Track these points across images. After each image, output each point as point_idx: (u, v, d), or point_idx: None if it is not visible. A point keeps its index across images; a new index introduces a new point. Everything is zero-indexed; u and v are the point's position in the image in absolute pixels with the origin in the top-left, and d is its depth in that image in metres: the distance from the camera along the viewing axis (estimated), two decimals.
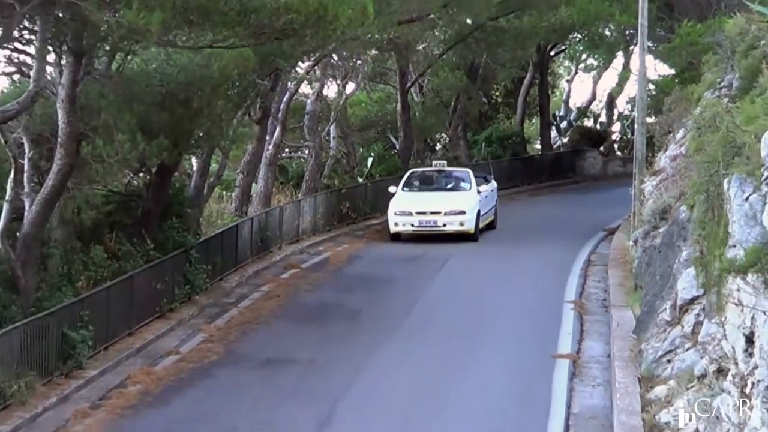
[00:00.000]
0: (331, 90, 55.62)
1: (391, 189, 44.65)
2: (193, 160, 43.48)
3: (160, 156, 36.17)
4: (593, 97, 79.54)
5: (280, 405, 26.56)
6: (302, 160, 55.95)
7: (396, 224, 40.97)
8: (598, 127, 77.82)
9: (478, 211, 41.29)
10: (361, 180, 58.70)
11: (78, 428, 25.62)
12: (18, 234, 32.00)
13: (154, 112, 35.07)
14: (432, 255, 43.61)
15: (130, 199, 38.92)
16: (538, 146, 72.27)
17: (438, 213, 40.15)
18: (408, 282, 39.83)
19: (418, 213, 40.60)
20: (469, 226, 39.79)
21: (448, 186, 43.78)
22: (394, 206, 41.92)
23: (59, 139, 31.56)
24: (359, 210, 53.02)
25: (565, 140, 75.14)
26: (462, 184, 43.42)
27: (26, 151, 32.99)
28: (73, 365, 29.07)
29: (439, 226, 39.80)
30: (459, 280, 40.14)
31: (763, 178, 11.59)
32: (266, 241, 45.19)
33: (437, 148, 67.56)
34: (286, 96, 48.83)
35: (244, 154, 48.72)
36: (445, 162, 46.33)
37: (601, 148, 74.47)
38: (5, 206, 32.23)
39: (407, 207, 41.09)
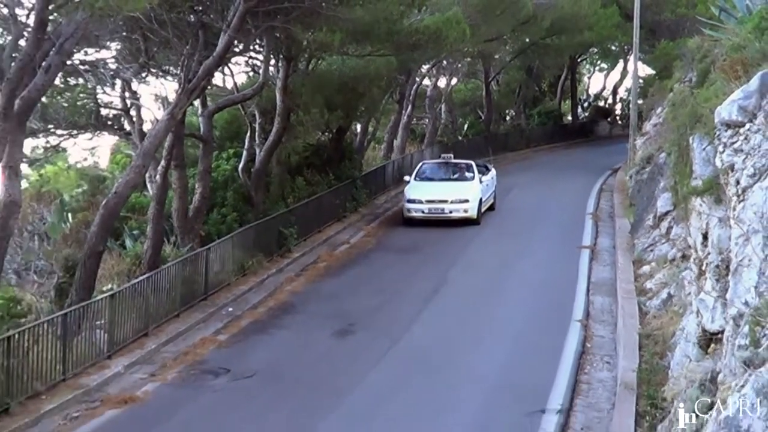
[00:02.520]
0: (441, 82, 55.09)
1: (406, 178, 37.14)
2: (358, 125, 43.76)
3: (338, 122, 37.50)
4: (604, 87, 79.05)
5: (412, 274, 26.68)
6: (424, 125, 55.75)
7: (408, 211, 34.08)
8: (606, 106, 77.27)
9: (480, 199, 34.01)
10: (460, 138, 58.39)
11: (288, 287, 26.10)
12: (251, 170, 33.16)
13: (334, 95, 35.74)
14: (502, 185, 41.26)
15: (319, 148, 39.17)
16: (569, 118, 71.61)
17: (445, 201, 33.46)
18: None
19: (428, 201, 33.72)
20: (472, 213, 33.10)
21: (454, 176, 36.30)
22: (407, 195, 34.83)
23: (277, 111, 32.40)
24: (462, 155, 52.77)
25: (586, 114, 74.71)
26: (466, 174, 35.89)
27: (257, 118, 33.84)
28: (285, 250, 29.72)
29: (446, 213, 33.18)
30: (520, 199, 39.19)
31: (714, 136, 11.67)
32: (402, 174, 43.97)
33: (507, 119, 66.96)
34: (415, 86, 48.43)
35: (389, 121, 49.09)
36: (452, 155, 38.70)
37: (609, 119, 73.97)
38: (244, 153, 33.45)
39: (418, 196, 34.24)
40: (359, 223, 35.59)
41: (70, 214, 35.86)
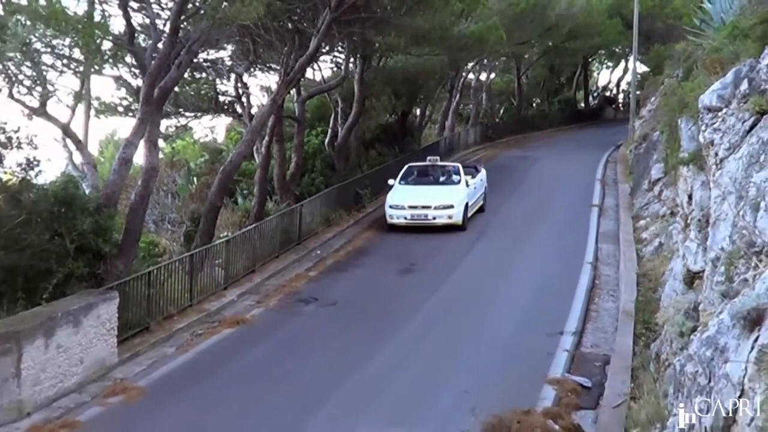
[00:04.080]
0: (482, 76, 54.68)
1: (390, 182, 28.64)
2: (418, 109, 43.47)
3: (402, 107, 37.52)
4: (609, 81, 78.14)
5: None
6: (469, 110, 55.40)
7: (391, 217, 26.40)
8: (611, 95, 76.16)
9: (467, 204, 26.60)
10: (497, 120, 58.16)
11: (363, 235, 26.06)
12: (335, 144, 33.19)
13: (399, 86, 35.83)
14: (531, 157, 42.14)
15: (387, 127, 39.16)
16: (582, 105, 70.83)
17: (428, 207, 26.00)
18: (518, 170, 38.22)
19: (411, 207, 26.18)
20: (457, 219, 25.74)
21: (440, 179, 28.34)
22: (389, 200, 26.99)
23: (355, 98, 32.47)
24: (497, 134, 52.84)
25: (595, 102, 73.73)
26: (453, 177, 28.02)
27: (339, 104, 33.85)
28: (360, 206, 29.70)
29: (430, 219, 25.75)
30: (545, 168, 38.52)
31: (698, 118, 11.68)
32: (453, 149, 44.77)
33: (533, 105, 66.34)
34: (462, 79, 48.11)
35: (442, 107, 48.74)
36: (438, 158, 30.66)
37: (613, 106, 72.92)
38: (329, 130, 33.54)
39: (401, 201, 26.51)
40: None
41: (195, 178, 36.34)
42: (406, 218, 26.05)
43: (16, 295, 14.77)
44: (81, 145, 19.44)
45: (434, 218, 25.78)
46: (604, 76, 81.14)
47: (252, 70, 30.65)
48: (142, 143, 18.28)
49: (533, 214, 27.87)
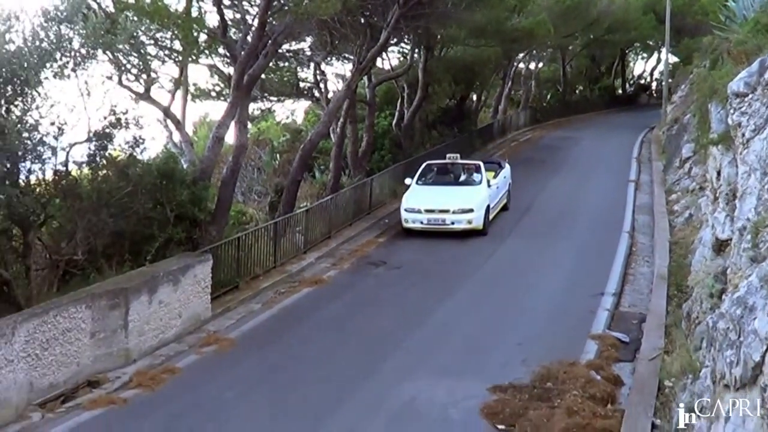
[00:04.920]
0: (532, 65, 54.06)
1: (407, 181, 23.58)
2: (474, 95, 43.12)
3: (461, 92, 37.24)
4: (644, 70, 76.54)
5: (533, 174, 27.16)
6: (520, 95, 54.78)
7: (406, 221, 21.56)
8: (645, 83, 74.50)
9: (488, 206, 21.74)
10: (544, 104, 57.58)
11: None
12: (401, 125, 33.00)
13: (458, 73, 35.57)
14: (574, 138, 41.40)
15: (447, 110, 38.84)
16: (620, 91, 69.41)
17: (446, 211, 21.20)
18: (563, 149, 37.57)
19: (427, 211, 21.35)
20: (477, 224, 20.99)
21: (460, 180, 23.15)
22: (405, 202, 22.00)
23: (419, 84, 32.30)
24: (544, 117, 52.34)
25: (631, 89, 72.15)
26: (474, 176, 22.82)
27: (405, 89, 33.63)
28: None
29: (447, 224, 21.05)
30: (586, 147, 37.81)
31: (727, 103, 11.56)
32: (505, 130, 44.36)
33: (576, 92, 65.27)
34: (513, 67, 47.60)
35: (496, 92, 48.04)
36: (458, 155, 24.56)
37: (647, 92, 71.37)
38: (396, 113, 33.38)
39: (417, 204, 21.62)
40: (495, 150, 34.97)
41: (277, 155, 36.46)
42: (422, 222, 21.18)
43: (123, 256, 15.13)
44: (180, 126, 19.69)
45: (453, 223, 20.92)
46: (639, 66, 79.49)
47: (329, 59, 30.53)
48: (232, 124, 18.47)
49: (577, 188, 27.48)
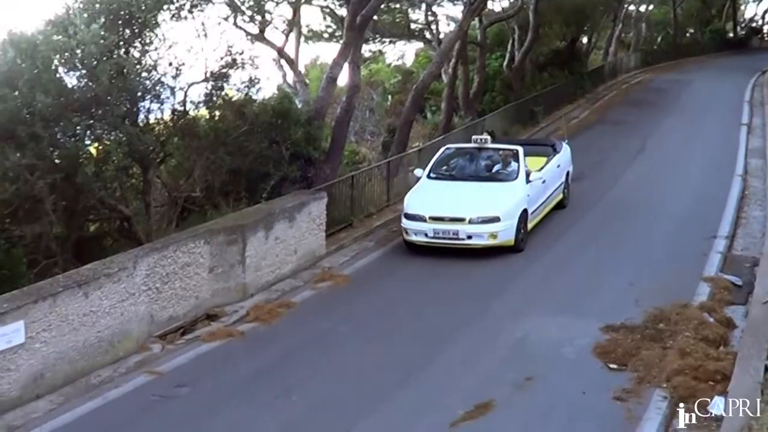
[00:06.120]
0: (642, 7, 51.79)
1: (417, 172, 15.80)
2: (585, 37, 41.61)
3: (571, 34, 36.17)
4: (755, 13, 72.14)
5: (622, 138, 25.03)
6: (630, 38, 52.17)
7: (406, 232, 14.02)
8: (757, 26, 70.31)
9: (523, 212, 13.96)
10: (655, 47, 54.84)
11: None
12: (512, 66, 32.06)
13: (569, 16, 35.06)
14: (685, 80, 39.61)
15: (558, 52, 37.16)
16: (731, 34, 65.50)
17: (461, 220, 13.48)
18: (674, 91, 36.12)
19: (434, 219, 13.64)
20: (506, 237, 13.50)
21: (487, 172, 15.12)
22: (407, 205, 14.32)
23: (530, 26, 31.58)
24: (654, 60, 49.71)
25: (743, 32, 68.18)
26: (507, 169, 14.89)
27: (516, 31, 32.71)
28: (534, 121, 28.26)
29: (461, 239, 13.46)
30: (700, 90, 36.06)
31: None
32: (616, 72, 42.50)
33: (687, 35, 61.55)
34: (624, 10, 45.20)
35: (606, 35, 46.15)
36: (489, 137, 16.43)
37: (759, 35, 67.50)
38: (507, 55, 32.26)
39: (420, 209, 13.90)
40: (585, 104, 33.33)
41: (389, 96, 36.27)
42: (426, 235, 13.87)
43: (240, 194, 15.22)
44: (294, 66, 19.63)
45: (469, 237, 13.64)
46: (751, 9, 75.24)
47: (440, 1, 29.90)
48: (346, 65, 18.13)
49: (689, 130, 26.45)
